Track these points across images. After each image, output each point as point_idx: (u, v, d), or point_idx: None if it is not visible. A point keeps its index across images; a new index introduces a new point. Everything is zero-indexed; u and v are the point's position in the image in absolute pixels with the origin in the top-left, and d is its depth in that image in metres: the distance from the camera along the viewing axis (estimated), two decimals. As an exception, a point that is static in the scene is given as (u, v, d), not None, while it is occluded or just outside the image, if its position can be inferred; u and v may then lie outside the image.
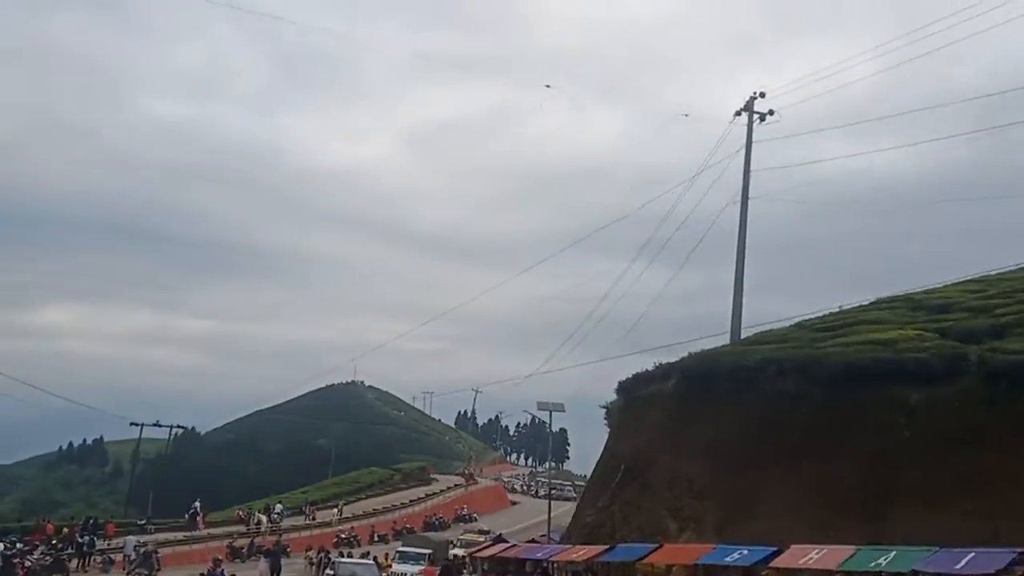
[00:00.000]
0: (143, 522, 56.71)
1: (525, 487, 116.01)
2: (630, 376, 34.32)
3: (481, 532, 57.27)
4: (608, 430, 38.26)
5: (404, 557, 41.80)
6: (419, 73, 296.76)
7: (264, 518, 58.36)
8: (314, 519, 65.63)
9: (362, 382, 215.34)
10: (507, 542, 36.91)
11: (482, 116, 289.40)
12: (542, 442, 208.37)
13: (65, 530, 44.44)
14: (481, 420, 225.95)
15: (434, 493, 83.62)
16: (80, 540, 41.95)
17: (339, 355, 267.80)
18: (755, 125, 32.25)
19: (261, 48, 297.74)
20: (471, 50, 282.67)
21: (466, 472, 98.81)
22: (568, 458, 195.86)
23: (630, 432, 32.89)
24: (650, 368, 33.32)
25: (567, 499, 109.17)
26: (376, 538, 64.35)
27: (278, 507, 62.10)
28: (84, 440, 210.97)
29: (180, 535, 52.58)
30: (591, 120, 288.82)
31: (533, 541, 42.81)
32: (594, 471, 37.62)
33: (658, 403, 31.16)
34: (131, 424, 63.42)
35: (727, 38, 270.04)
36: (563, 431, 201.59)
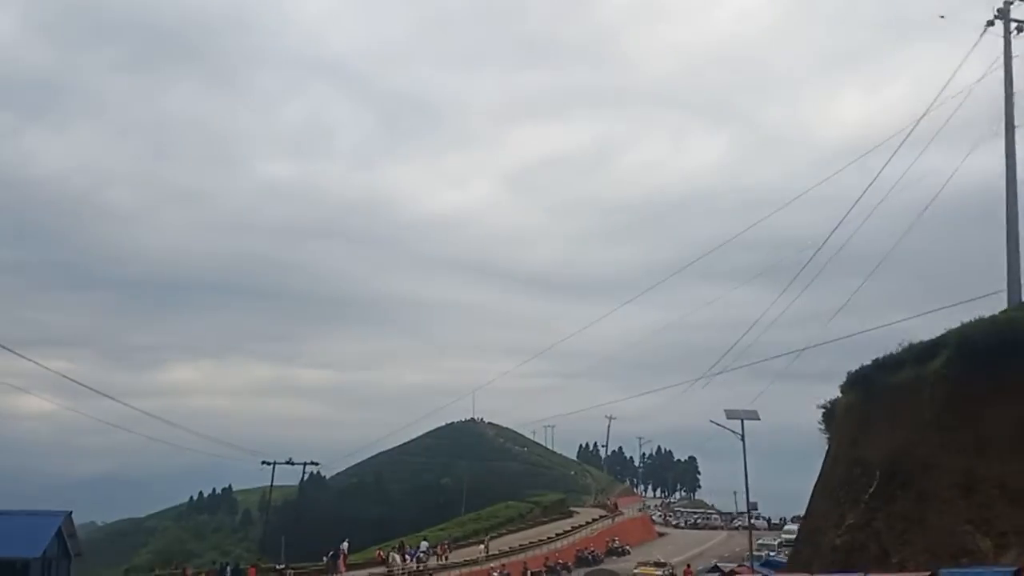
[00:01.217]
0: (282, 567, 51.96)
1: (663, 518, 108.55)
2: (867, 363, 27.46)
3: (658, 565, 50.47)
4: (828, 435, 31.42)
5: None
6: (518, 113, 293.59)
7: (398, 557, 52.63)
8: (446, 558, 59.91)
9: (481, 419, 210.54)
10: (722, 571, 30.32)
11: (583, 151, 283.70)
12: (670, 472, 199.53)
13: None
14: (604, 452, 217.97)
15: (579, 526, 77.09)
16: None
17: (455, 396, 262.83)
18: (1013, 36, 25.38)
19: (359, 101, 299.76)
20: (567, 84, 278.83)
21: (610, 503, 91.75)
22: (700, 487, 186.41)
23: (878, 431, 25.95)
24: (894, 351, 26.43)
25: (715, 527, 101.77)
26: (530, 575, 58.18)
27: (423, 544, 56.46)
28: (213, 490, 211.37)
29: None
30: (693, 146, 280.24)
31: (734, 573, 36.19)
32: (817, 486, 30.69)
33: (921, 390, 24.19)
34: (262, 463, 58.92)
35: (826, 51, 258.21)
36: (692, 459, 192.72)
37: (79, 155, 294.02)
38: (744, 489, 43.44)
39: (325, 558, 55.20)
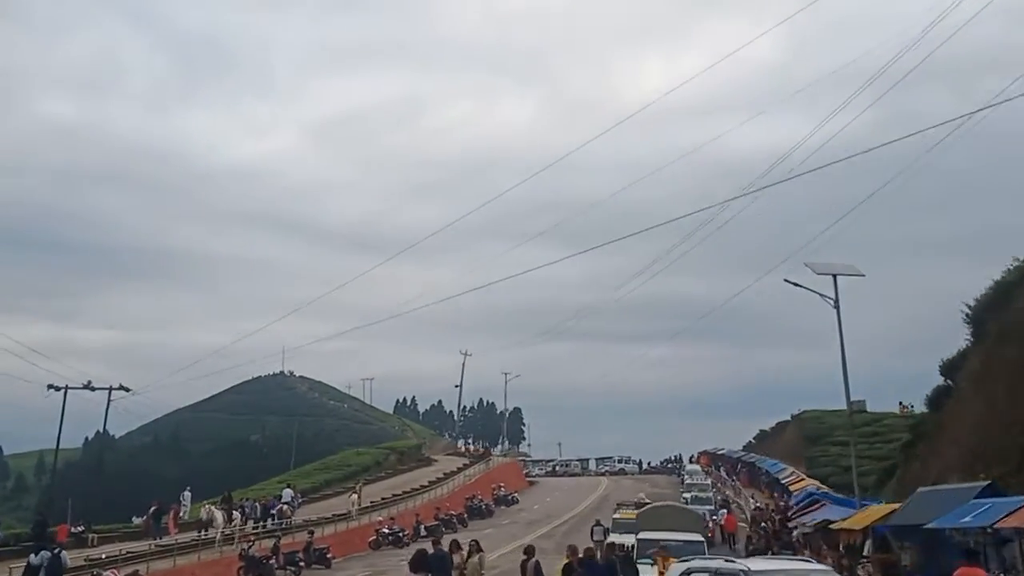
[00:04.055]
0: (80, 529, 34.82)
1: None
2: None
3: (640, 506, 37.21)
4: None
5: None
6: (323, 62, 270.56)
7: (219, 514, 35.48)
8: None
9: (291, 372, 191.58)
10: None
11: (390, 105, 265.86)
12: (492, 424, 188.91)
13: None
14: (423, 407, 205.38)
15: (451, 472, 62.92)
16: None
17: (255, 354, 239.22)
18: None
19: (152, 39, 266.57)
20: (374, 36, 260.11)
21: (472, 448, 78.07)
22: (525, 439, 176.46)
23: None
24: None
25: (574, 474, 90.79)
26: (423, 531, 43.49)
27: (287, 493, 40.26)
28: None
29: (147, 545, 30.67)
30: (501, 107, 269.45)
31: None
32: None
33: None
34: (49, 388, 40.61)
35: (632, 19, 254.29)
36: (517, 411, 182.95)
37: None
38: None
39: (145, 516, 38.37)
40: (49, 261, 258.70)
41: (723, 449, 76.87)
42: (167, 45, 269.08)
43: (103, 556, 26.70)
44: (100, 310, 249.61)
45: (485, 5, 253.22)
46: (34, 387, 42.16)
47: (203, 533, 32.65)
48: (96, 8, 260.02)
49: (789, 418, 69.41)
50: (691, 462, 74.97)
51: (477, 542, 21.44)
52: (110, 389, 42.62)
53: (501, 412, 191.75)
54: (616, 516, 33.84)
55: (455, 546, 20.99)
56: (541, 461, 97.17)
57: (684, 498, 47.08)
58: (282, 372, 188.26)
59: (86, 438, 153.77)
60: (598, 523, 34.08)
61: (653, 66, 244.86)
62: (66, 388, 41.43)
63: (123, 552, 27.62)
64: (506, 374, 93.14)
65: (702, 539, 23.75)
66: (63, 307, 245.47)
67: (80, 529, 35.19)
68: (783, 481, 47.80)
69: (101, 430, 43.60)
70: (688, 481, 55.59)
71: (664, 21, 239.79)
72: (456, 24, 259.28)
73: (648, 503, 38.02)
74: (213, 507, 34.92)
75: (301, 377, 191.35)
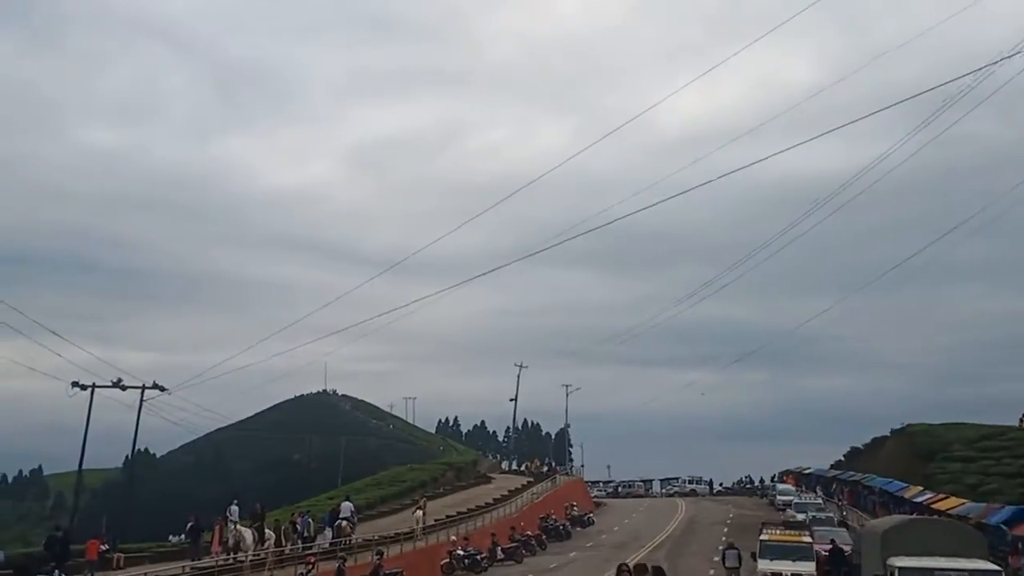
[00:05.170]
0: (105, 548, 28.94)
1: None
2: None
3: (789, 526, 30.71)
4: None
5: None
6: (361, 89, 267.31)
7: (249, 535, 28.49)
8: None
9: (334, 391, 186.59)
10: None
11: (426, 132, 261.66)
12: (538, 445, 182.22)
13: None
14: (465, 427, 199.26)
15: (516, 490, 56.42)
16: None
17: (295, 377, 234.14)
18: None
19: (193, 68, 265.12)
20: (412, 64, 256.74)
21: (532, 465, 71.47)
22: (571, 461, 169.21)
23: None
24: None
25: (638, 495, 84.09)
26: (500, 553, 37.12)
27: (346, 506, 33.84)
28: (20, 471, 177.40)
29: (180, 567, 24.66)
30: (537, 133, 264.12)
31: None
32: None
33: None
34: (74, 385, 34.89)
35: (667, 46, 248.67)
36: (563, 432, 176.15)
37: None
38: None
39: (181, 536, 32.58)
40: (89, 284, 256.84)
41: (809, 468, 69.67)
42: (207, 73, 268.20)
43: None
44: (140, 333, 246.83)
45: (522, 32, 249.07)
46: (75, 407, 36.76)
47: (231, 557, 26.39)
48: (137, 38, 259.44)
49: (888, 433, 62.20)
50: (773, 482, 68.05)
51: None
52: (143, 388, 36.88)
53: (547, 433, 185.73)
54: (764, 538, 27.20)
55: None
56: (598, 483, 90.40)
57: (798, 519, 40.41)
58: (324, 391, 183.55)
59: (126, 456, 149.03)
60: (731, 546, 27.48)
61: (689, 91, 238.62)
62: (93, 386, 35.83)
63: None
64: (567, 386, 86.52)
65: (996, 568, 17.06)
66: (103, 330, 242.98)
67: (105, 548, 29.35)
68: (917, 501, 40.74)
69: (135, 432, 37.45)
70: (796, 501, 48.60)
71: (699, 46, 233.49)
72: (493, 51, 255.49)
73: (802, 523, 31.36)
74: (240, 526, 28.24)
75: (344, 396, 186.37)
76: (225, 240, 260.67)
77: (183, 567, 23.53)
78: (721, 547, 30.14)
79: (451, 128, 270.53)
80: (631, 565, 10.35)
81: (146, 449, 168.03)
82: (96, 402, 36.73)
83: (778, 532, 28.14)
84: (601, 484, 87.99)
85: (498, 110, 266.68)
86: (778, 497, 56.20)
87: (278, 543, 30.06)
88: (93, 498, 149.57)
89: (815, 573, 25.88)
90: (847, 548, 27.15)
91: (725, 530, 46.27)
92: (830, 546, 27.81)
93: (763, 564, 25.97)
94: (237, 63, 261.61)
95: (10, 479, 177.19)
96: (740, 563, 26.72)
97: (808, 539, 27.25)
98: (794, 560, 25.72)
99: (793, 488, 58.72)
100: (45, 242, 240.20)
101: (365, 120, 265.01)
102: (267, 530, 29.48)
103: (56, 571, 17.39)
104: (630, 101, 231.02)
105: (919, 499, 40.44)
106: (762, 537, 27.40)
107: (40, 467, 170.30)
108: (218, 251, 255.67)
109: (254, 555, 26.75)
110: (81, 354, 38.77)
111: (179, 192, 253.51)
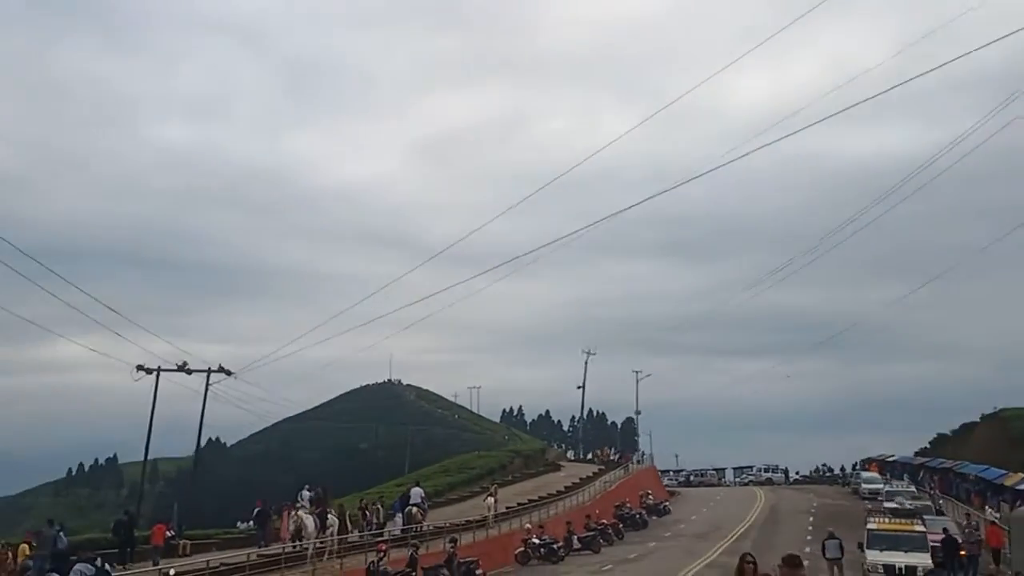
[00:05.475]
0: (171, 535, 28.06)
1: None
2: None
3: (899, 513, 28.56)
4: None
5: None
6: (427, 81, 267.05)
7: (310, 521, 26.67)
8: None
9: (399, 381, 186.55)
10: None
11: (492, 121, 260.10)
12: (604, 434, 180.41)
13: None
14: (530, 417, 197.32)
15: (588, 477, 54.68)
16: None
17: (359, 366, 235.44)
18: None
19: (262, 64, 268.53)
20: (477, 54, 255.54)
21: (602, 455, 69.51)
22: (638, 449, 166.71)
23: None
24: None
25: (711, 484, 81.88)
26: (576, 542, 35.46)
27: (415, 492, 32.37)
28: (96, 460, 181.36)
29: (244, 555, 23.40)
30: (604, 120, 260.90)
31: None
32: None
33: None
34: (139, 368, 34.12)
35: (735, 28, 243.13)
36: (630, 421, 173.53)
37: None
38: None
39: (249, 522, 31.65)
40: (165, 279, 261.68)
41: (893, 456, 66.42)
42: (276, 69, 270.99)
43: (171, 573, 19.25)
44: (213, 326, 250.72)
45: (587, 18, 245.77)
46: (149, 398, 36.05)
47: (296, 544, 24.97)
48: (209, 35, 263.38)
49: (978, 419, 58.84)
50: (855, 470, 65.05)
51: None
52: (208, 371, 36.00)
53: (612, 423, 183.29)
54: (872, 527, 24.96)
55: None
56: (668, 472, 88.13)
57: (887, 508, 37.91)
58: (389, 381, 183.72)
59: (198, 445, 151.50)
60: (832, 536, 25.23)
61: (760, 74, 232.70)
62: (159, 370, 35.06)
63: (208, 565, 20.37)
64: (637, 372, 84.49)
65: None
66: (178, 323, 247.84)
67: (171, 535, 28.45)
68: (1020, 488, 37.80)
69: (201, 416, 36.60)
70: (887, 488, 45.83)
71: (770, 27, 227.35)
72: (558, 38, 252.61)
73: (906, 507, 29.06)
74: (301, 512, 26.69)
75: (408, 386, 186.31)
76: (296, 233, 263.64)
77: (247, 554, 22.23)
78: (807, 536, 27.95)
79: (516, 117, 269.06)
80: (787, 556, 8.55)
81: (217, 439, 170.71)
82: (168, 391, 36.27)
83: (887, 521, 25.88)
84: (671, 473, 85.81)
85: (563, 98, 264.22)
86: (863, 485, 53.43)
87: (343, 530, 28.76)
88: (167, 485, 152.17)
89: (932, 565, 23.59)
90: (959, 538, 24.83)
91: (811, 519, 43.99)
92: (942, 536, 25.47)
93: (872, 555, 23.77)
94: (306, 57, 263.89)
95: (87, 468, 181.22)
96: (842, 553, 24.54)
97: (921, 528, 24.99)
98: (907, 551, 23.48)
99: (879, 476, 55.82)
100: (123, 237, 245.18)
101: (431, 111, 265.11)
102: (331, 516, 28.04)
103: (93, 561, 16.22)
104: (698, 85, 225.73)
105: (1022, 487, 37.52)
106: (869, 526, 25.16)
107: (115, 456, 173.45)
108: (289, 244, 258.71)
109: (319, 543, 25.36)
110: (159, 346, 38.24)
111: (252, 186, 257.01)
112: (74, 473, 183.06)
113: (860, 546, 24.63)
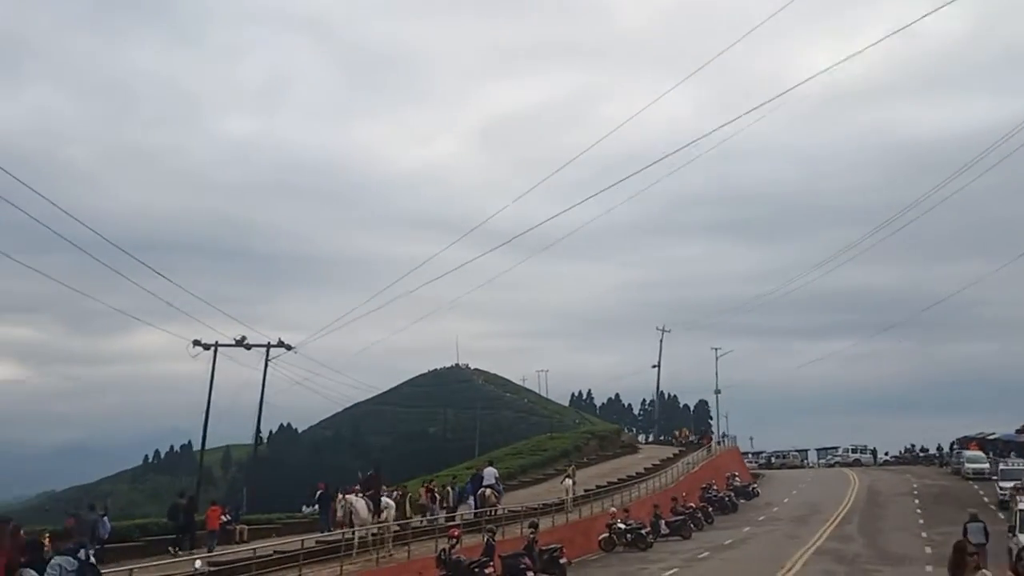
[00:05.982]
0: (227, 520, 25.79)
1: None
2: None
3: None
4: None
5: None
6: (488, 67, 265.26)
7: (362, 506, 23.20)
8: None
9: (467, 365, 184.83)
10: None
11: (555, 105, 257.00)
12: (676, 417, 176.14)
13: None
14: (599, 401, 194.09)
15: (669, 458, 51.55)
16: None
17: (429, 353, 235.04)
18: None
19: (324, 55, 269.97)
20: (539, 38, 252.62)
21: (681, 436, 66.06)
22: (712, 432, 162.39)
23: None
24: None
25: (794, 466, 78.20)
26: (664, 527, 32.46)
27: (489, 472, 29.56)
28: (172, 447, 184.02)
29: (299, 541, 20.82)
30: (669, 99, 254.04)
31: None
32: None
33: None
34: (196, 344, 32.13)
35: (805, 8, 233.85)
36: (703, 403, 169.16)
37: (37, 113, 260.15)
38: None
39: (313, 505, 29.31)
40: (231, 269, 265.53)
41: (994, 434, 61.68)
42: (338, 59, 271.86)
43: (197, 563, 16.53)
44: (278, 314, 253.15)
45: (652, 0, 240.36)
46: (222, 385, 34.29)
47: (350, 530, 22.05)
48: (271, 28, 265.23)
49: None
50: (953, 449, 60.53)
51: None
52: (268, 345, 33.90)
53: (684, 405, 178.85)
54: (1024, 507, 21.56)
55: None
56: (747, 454, 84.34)
57: (1002, 488, 34.24)
58: (457, 365, 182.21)
59: (270, 431, 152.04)
60: (975, 518, 21.73)
61: (826, 51, 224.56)
62: (216, 345, 33.06)
63: (255, 553, 17.87)
64: (716, 349, 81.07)
65: None
66: (244, 312, 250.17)
67: (226, 519, 26.24)
68: None
69: (261, 392, 34.47)
70: (1003, 467, 41.69)
71: (838, 6, 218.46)
72: (623, 21, 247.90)
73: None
74: (350, 496, 22.92)
75: (476, 370, 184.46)
76: (359, 222, 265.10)
77: (302, 540, 19.68)
78: (919, 520, 24.37)
79: (580, 101, 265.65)
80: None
81: (289, 424, 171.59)
82: (242, 377, 34.82)
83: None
84: (750, 455, 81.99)
85: (629, 80, 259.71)
86: (967, 465, 49.20)
87: (403, 514, 25.85)
88: (238, 470, 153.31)
89: None
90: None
91: (916, 502, 40.39)
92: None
93: (1028, 538, 20.34)
94: (367, 47, 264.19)
95: (162, 455, 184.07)
96: (987, 539, 21.06)
97: None
98: None
99: (982, 455, 51.43)
100: (195, 230, 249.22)
101: (493, 96, 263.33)
102: (385, 498, 24.70)
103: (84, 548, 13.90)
104: (768, 66, 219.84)
105: None
106: (1021, 507, 21.64)
107: (189, 443, 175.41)
108: (352, 233, 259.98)
109: (376, 530, 22.50)
110: (224, 336, 36.37)
111: (314, 177, 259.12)
112: (151, 460, 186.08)
113: (1011, 529, 21.15)
